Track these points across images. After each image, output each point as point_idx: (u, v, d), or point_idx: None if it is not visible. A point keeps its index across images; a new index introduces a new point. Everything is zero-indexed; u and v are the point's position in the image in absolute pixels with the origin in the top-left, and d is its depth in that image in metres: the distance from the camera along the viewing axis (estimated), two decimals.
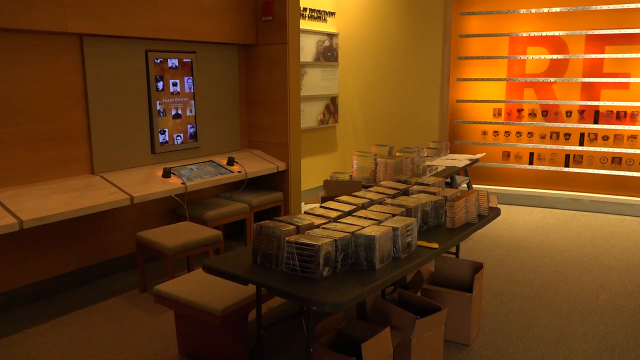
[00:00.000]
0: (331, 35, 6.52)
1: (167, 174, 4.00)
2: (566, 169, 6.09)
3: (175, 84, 4.30)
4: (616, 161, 5.86)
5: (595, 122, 5.86)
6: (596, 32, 5.70)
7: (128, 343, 3.03)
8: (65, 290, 3.77)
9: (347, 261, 2.27)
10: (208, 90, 4.61)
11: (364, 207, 2.80)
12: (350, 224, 2.42)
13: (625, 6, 5.54)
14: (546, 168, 6.17)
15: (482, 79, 6.29)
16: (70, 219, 3.61)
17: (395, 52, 6.61)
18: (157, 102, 4.17)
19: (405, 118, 6.70)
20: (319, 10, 6.35)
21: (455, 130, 6.56)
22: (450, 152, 6.52)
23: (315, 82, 6.34)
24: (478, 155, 5.14)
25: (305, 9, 6.13)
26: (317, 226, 2.43)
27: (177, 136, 4.37)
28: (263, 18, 4.71)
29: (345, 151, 7.09)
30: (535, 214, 5.77)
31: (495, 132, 6.37)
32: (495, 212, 3.14)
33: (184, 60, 4.35)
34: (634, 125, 5.68)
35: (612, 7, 5.59)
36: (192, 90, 4.45)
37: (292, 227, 2.30)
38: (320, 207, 2.76)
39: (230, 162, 4.49)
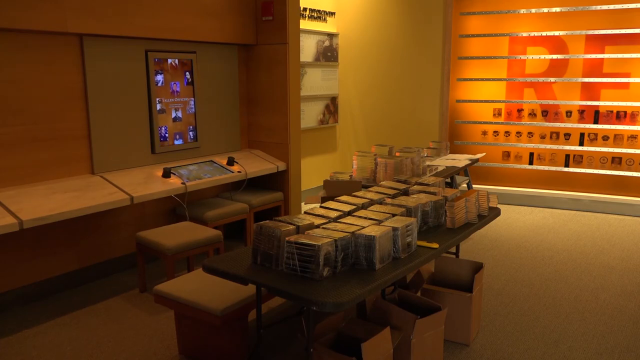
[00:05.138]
0: (331, 35, 6.52)
1: (167, 174, 4.00)
2: (566, 169, 6.09)
3: (175, 84, 4.30)
4: (616, 161, 5.86)
5: (595, 122, 5.86)
6: (596, 32, 5.70)
7: (128, 343, 3.03)
8: (65, 290, 3.77)
9: (347, 261, 2.27)
10: (208, 90, 4.61)
11: (364, 207, 2.80)
12: (350, 224, 2.42)
13: (625, 6, 5.54)
14: (546, 168, 6.17)
15: (482, 79, 6.29)
16: (70, 219, 3.62)
17: (395, 52, 6.61)
18: (157, 102, 4.17)
19: (405, 118, 6.70)
20: (319, 10, 6.35)
21: (455, 130, 6.56)
22: (450, 152, 6.52)
23: (315, 82, 6.33)
24: (478, 155, 5.14)
25: (305, 9, 6.13)
26: (317, 226, 2.43)
27: (177, 135, 4.37)
28: (263, 18, 4.71)
29: (345, 151, 7.09)
30: (535, 214, 5.77)
31: (495, 132, 6.37)
32: (495, 212, 3.14)
33: (184, 60, 4.35)
34: (634, 125, 5.68)
35: (612, 7, 5.59)
36: (192, 90, 4.45)
37: (292, 227, 2.30)
38: (320, 207, 2.76)
39: (230, 162, 4.49)
